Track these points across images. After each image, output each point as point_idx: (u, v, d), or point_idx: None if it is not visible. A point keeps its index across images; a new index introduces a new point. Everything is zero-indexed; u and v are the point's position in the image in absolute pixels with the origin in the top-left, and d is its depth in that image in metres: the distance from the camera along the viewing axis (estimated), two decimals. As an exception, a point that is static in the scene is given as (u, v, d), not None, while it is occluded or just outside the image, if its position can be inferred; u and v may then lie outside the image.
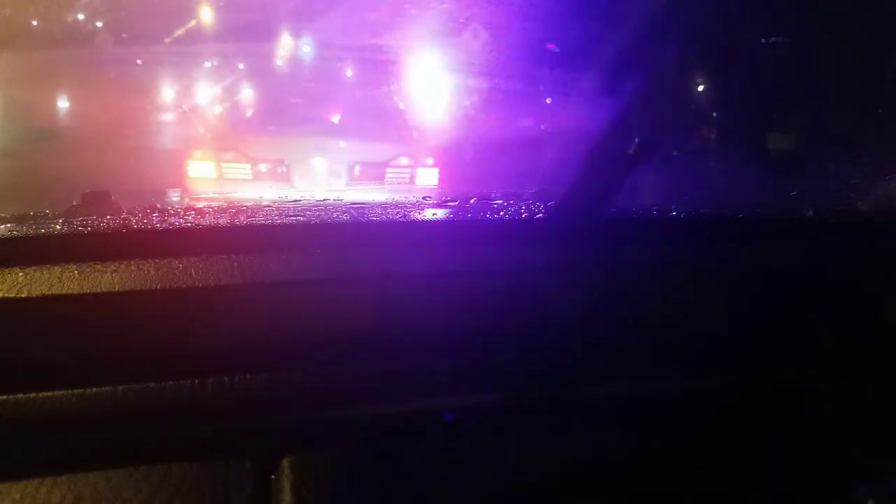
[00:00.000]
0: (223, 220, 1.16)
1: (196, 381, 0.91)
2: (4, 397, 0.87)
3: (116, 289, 0.91)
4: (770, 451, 1.01)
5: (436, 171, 4.61)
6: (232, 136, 4.77)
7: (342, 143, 4.72)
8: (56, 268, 0.92)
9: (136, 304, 0.92)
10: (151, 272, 0.93)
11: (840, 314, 1.12)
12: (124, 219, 1.10)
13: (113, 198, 1.19)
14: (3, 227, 1.04)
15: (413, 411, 0.97)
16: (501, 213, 1.19)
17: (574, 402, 1.02)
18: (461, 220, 1.25)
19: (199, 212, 1.22)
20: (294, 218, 1.13)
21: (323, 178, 4.68)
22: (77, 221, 1.09)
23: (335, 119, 4.89)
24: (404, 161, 4.80)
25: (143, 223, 1.08)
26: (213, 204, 1.30)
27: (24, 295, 0.90)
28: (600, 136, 1.19)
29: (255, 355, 0.94)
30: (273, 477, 0.88)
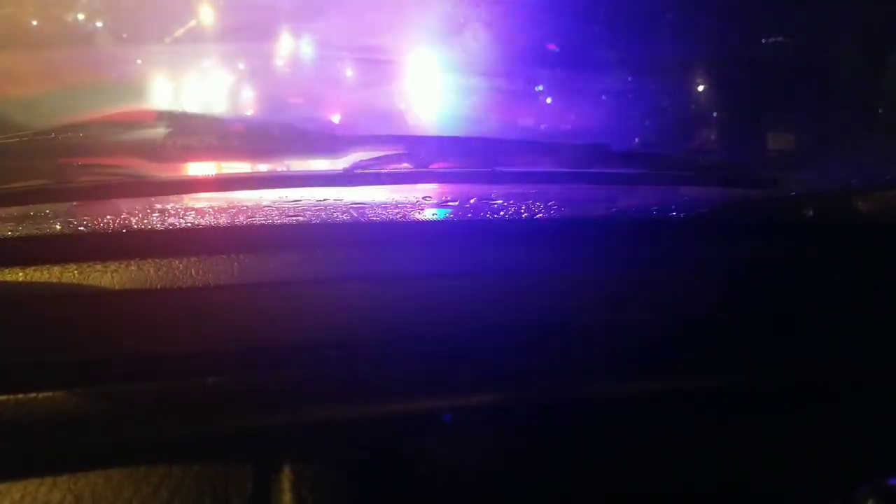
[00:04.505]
0: (223, 220, 1.16)
1: (196, 381, 0.91)
2: (4, 397, 0.87)
3: (116, 289, 0.91)
4: (770, 451, 1.02)
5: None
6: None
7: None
8: (56, 268, 0.92)
9: (136, 304, 0.92)
10: (151, 272, 0.93)
11: (840, 314, 1.12)
12: (124, 219, 1.10)
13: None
14: (3, 226, 1.04)
15: (413, 411, 0.97)
16: (501, 213, 1.19)
17: (575, 403, 1.03)
18: (461, 219, 1.24)
19: (199, 212, 1.22)
20: (294, 218, 1.13)
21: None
22: (77, 221, 1.09)
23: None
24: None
25: (143, 223, 1.08)
26: (214, 204, 1.30)
27: (24, 295, 0.90)
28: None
29: (255, 355, 0.94)
30: (273, 477, 0.88)
